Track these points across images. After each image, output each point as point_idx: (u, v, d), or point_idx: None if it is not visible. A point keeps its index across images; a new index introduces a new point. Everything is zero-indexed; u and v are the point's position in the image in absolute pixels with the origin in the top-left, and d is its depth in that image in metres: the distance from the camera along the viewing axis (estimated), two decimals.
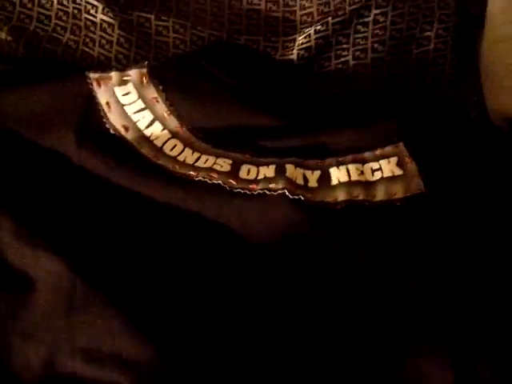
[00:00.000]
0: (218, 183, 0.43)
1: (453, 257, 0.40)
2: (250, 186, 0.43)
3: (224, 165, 0.44)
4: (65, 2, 0.54)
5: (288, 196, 0.41)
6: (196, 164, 0.45)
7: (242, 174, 0.44)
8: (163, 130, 0.46)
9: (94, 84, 0.47)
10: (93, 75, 0.47)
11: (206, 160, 0.45)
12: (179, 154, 0.45)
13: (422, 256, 0.40)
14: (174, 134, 0.46)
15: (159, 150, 0.45)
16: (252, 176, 0.44)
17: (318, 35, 0.54)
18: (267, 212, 0.42)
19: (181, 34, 0.55)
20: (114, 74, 0.47)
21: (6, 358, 0.36)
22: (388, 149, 0.45)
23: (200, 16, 0.57)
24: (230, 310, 0.38)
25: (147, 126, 0.46)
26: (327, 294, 0.39)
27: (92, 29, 0.54)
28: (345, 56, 0.55)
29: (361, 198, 0.43)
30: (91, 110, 0.46)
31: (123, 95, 0.47)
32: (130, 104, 0.46)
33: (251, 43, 0.56)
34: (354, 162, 0.44)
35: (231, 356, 0.36)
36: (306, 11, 0.58)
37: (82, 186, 0.43)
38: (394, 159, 0.44)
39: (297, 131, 0.46)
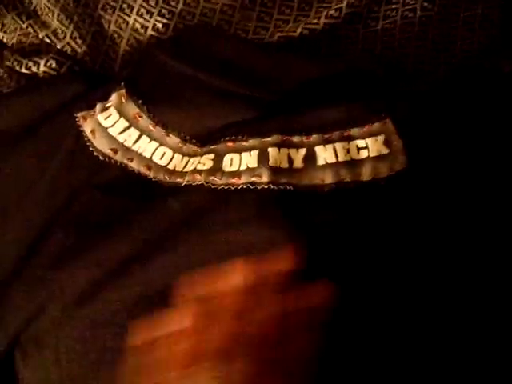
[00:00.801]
0: (201, 184, 0.42)
1: (437, 234, 0.39)
2: (233, 180, 0.42)
3: (206, 162, 0.43)
4: None
5: (274, 188, 0.40)
6: (184, 169, 0.44)
7: (225, 165, 0.43)
8: (150, 141, 0.45)
9: (81, 121, 0.47)
10: (80, 114, 0.47)
11: (192, 162, 0.44)
12: (169, 162, 0.45)
13: (407, 235, 0.39)
14: (161, 143, 0.45)
15: (149, 160, 0.45)
16: (235, 167, 0.42)
17: None
18: (254, 207, 0.41)
19: None
20: (98, 106, 0.47)
21: None
22: (376, 125, 0.43)
23: None
24: None
25: (134, 142, 0.46)
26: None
27: None
28: (393, 16, 0.53)
29: (348, 179, 0.41)
30: (79, 144, 0.46)
31: (105, 119, 0.47)
32: (113, 125, 0.46)
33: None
34: (340, 140, 0.42)
35: None
36: None
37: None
38: (381, 137, 0.42)
39: (280, 111, 0.44)
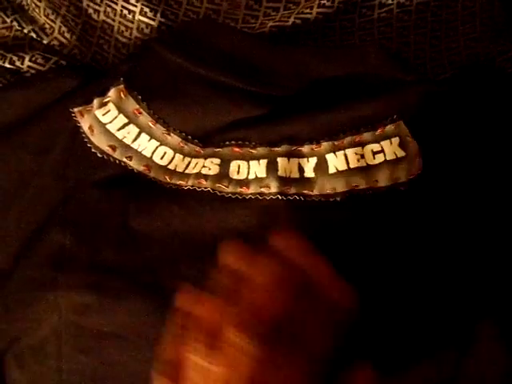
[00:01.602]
0: (208, 190, 0.41)
1: (455, 238, 0.38)
2: (241, 190, 0.41)
3: (212, 166, 0.42)
4: None
5: (283, 199, 0.40)
6: (186, 171, 0.43)
7: (232, 173, 0.42)
8: (150, 139, 0.44)
9: (78, 116, 0.45)
10: (76, 109, 0.45)
11: (196, 164, 0.42)
12: (170, 162, 0.43)
13: (427, 239, 0.38)
14: (162, 142, 0.44)
15: (149, 159, 0.43)
16: (243, 175, 0.41)
17: None
18: (262, 217, 0.40)
19: None
20: (95, 101, 0.45)
21: None
22: (389, 127, 0.41)
23: None
24: None
25: (134, 140, 0.44)
26: None
27: None
28: (389, 5, 0.51)
29: (362, 186, 0.40)
30: (76, 140, 0.45)
31: (103, 115, 0.44)
32: (112, 121, 0.44)
33: None
34: (352, 145, 0.41)
35: None
36: None
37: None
38: (395, 139, 0.41)
39: (287, 114, 0.42)
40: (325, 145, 0.41)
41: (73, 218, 0.42)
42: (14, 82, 0.50)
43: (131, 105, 0.45)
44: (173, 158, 0.43)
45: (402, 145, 0.41)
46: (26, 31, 0.52)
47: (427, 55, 0.51)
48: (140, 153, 0.44)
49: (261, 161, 0.41)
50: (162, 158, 0.43)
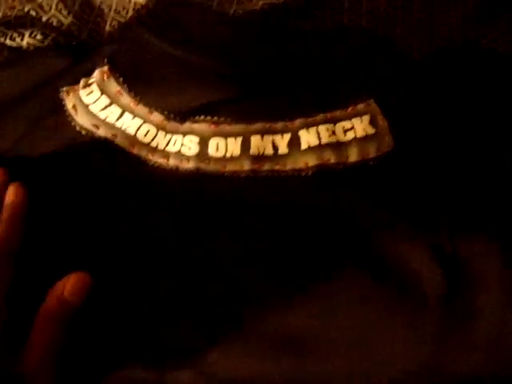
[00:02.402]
0: (191, 170, 0.43)
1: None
2: (219, 168, 0.43)
3: (192, 146, 0.43)
4: None
5: (255, 176, 0.42)
6: (167, 148, 0.44)
7: (211, 150, 0.43)
8: (134, 118, 0.45)
9: (64, 95, 0.47)
10: (65, 88, 0.47)
11: (175, 141, 0.44)
12: (152, 140, 0.45)
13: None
14: (145, 120, 0.45)
15: (133, 137, 0.45)
16: (221, 152, 0.43)
17: None
18: (238, 193, 0.42)
19: None
20: (81, 81, 0.47)
21: None
22: (360, 106, 0.43)
23: None
24: None
25: (117, 119, 0.45)
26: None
27: None
28: None
29: (333, 161, 0.42)
30: (60, 117, 0.46)
31: (87, 95, 0.46)
32: (95, 102, 0.46)
33: None
34: (324, 122, 0.43)
35: None
36: None
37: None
38: (366, 117, 0.42)
39: (262, 92, 0.44)
40: (298, 121, 0.43)
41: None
42: (6, 60, 0.53)
43: (113, 86, 0.46)
44: (155, 136, 0.45)
45: (372, 122, 0.42)
46: (26, 9, 0.54)
47: (413, 35, 0.51)
48: (124, 131, 0.45)
49: (237, 138, 0.43)
50: (145, 135, 0.45)
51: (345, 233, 0.40)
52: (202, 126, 0.44)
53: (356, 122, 0.42)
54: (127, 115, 0.45)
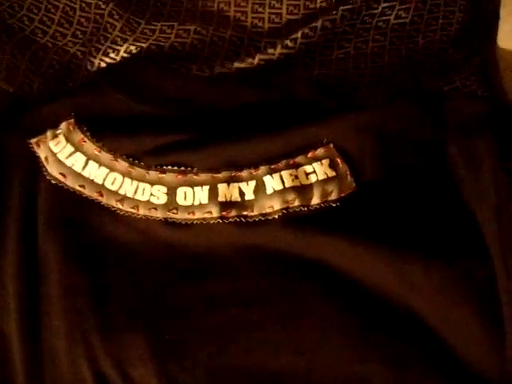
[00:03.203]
0: (160, 219, 0.45)
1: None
2: (188, 216, 0.44)
3: (160, 195, 0.45)
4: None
5: (224, 222, 0.44)
6: (135, 196, 0.45)
7: (179, 199, 0.45)
8: (100, 166, 0.46)
9: (35, 147, 0.48)
10: (33, 140, 0.48)
11: (143, 190, 0.45)
12: (120, 187, 0.46)
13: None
14: (111, 168, 0.46)
15: (101, 186, 0.46)
16: (189, 201, 0.45)
17: (326, 19, 0.53)
18: (210, 239, 0.44)
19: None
20: (48, 132, 0.48)
21: None
22: (320, 151, 0.45)
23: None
24: None
25: (83, 168, 0.46)
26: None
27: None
28: (388, 15, 0.54)
29: (296, 203, 0.44)
30: (36, 169, 0.47)
31: (55, 145, 0.47)
32: (61, 150, 0.47)
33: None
34: (287, 167, 0.45)
35: None
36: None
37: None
38: (325, 161, 0.45)
39: (225, 139, 0.46)
40: (262, 168, 0.45)
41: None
42: None
43: (77, 135, 0.47)
44: (122, 183, 0.46)
45: (332, 165, 0.44)
46: None
47: (379, 86, 0.53)
48: (92, 181, 0.46)
49: (203, 187, 0.45)
50: (112, 183, 0.46)
51: (313, 271, 0.42)
52: (170, 176, 0.45)
53: (316, 165, 0.45)
54: (92, 164, 0.46)
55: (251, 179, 0.45)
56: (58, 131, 0.48)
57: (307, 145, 0.45)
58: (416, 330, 0.40)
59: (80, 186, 0.46)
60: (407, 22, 0.54)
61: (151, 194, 0.45)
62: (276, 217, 0.43)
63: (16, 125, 0.49)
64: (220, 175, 0.45)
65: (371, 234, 0.42)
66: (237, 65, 0.52)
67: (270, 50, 0.53)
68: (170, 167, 0.46)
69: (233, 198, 0.44)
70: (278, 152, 0.45)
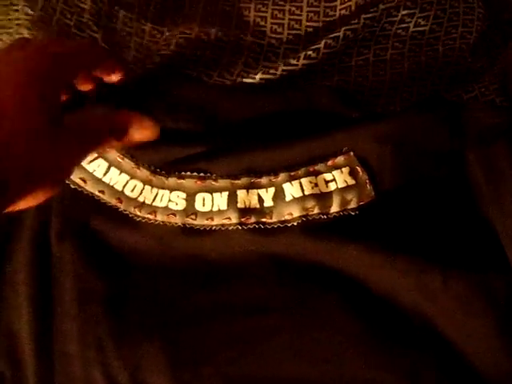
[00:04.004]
0: (178, 225, 0.45)
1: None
2: (207, 222, 0.44)
3: (179, 201, 0.45)
4: None
5: (243, 228, 0.44)
6: (154, 203, 0.46)
7: (198, 205, 0.45)
8: (120, 173, 0.47)
9: None
10: None
11: (162, 196, 0.46)
12: (140, 195, 0.46)
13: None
14: (131, 176, 0.46)
15: (121, 193, 0.46)
16: (207, 207, 0.45)
17: (348, 28, 0.53)
18: (228, 246, 0.44)
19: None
20: None
21: None
22: (340, 159, 0.45)
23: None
24: None
25: (104, 174, 0.47)
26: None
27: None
28: (408, 22, 0.54)
29: (316, 211, 0.43)
30: None
31: None
32: None
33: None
34: (306, 175, 0.45)
35: None
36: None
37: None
38: (345, 169, 0.45)
39: (245, 148, 0.46)
40: (282, 176, 0.45)
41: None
42: None
43: None
44: (142, 190, 0.46)
45: (351, 174, 0.44)
46: None
47: (398, 95, 0.53)
48: (112, 187, 0.46)
49: (223, 193, 0.45)
50: (132, 190, 0.46)
51: (331, 279, 0.42)
52: (189, 182, 0.45)
53: (336, 173, 0.44)
54: (114, 170, 0.47)
55: (270, 186, 0.45)
56: None
57: (327, 153, 0.45)
58: (431, 341, 0.40)
59: (100, 191, 0.46)
60: (426, 30, 0.54)
61: (169, 200, 0.45)
62: (295, 224, 0.43)
63: None
64: (239, 181, 0.45)
65: (389, 243, 0.42)
66: (260, 76, 0.52)
67: (293, 61, 0.52)
68: (189, 173, 0.46)
69: (252, 205, 0.44)
70: (298, 159, 0.45)
